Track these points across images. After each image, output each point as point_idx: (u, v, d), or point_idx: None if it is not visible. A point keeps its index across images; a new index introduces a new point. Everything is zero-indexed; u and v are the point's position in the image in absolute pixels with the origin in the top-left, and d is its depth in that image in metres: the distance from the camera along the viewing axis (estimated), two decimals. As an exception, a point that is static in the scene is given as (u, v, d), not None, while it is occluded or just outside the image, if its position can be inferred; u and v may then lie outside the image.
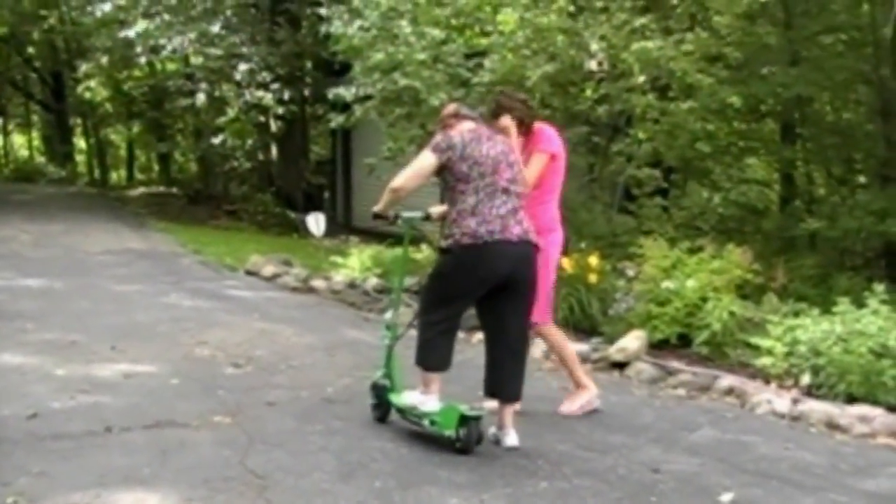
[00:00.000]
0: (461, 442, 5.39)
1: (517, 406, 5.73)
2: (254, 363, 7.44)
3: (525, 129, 6.31)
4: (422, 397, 5.66)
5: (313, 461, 5.12)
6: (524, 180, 5.78)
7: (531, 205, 6.03)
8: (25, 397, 6.11)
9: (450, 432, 5.44)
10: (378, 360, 6.12)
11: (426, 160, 5.59)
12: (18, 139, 41.93)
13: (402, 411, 5.82)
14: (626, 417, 6.40)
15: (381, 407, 5.99)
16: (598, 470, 5.23)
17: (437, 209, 5.97)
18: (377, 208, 5.87)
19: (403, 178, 5.64)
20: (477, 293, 5.57)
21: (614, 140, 10.64)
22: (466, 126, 5.72)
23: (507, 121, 6.23)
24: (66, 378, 6.67)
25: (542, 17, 10.01)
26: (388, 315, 6.21)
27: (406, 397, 5.78)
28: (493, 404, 5.70)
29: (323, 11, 13.80)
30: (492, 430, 5.62)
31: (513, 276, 5.48)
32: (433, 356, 5.63)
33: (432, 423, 5.56)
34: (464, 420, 5.38)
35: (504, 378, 5.61)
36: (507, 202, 5.53)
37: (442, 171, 5.60)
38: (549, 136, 6.38)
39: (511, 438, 5.56)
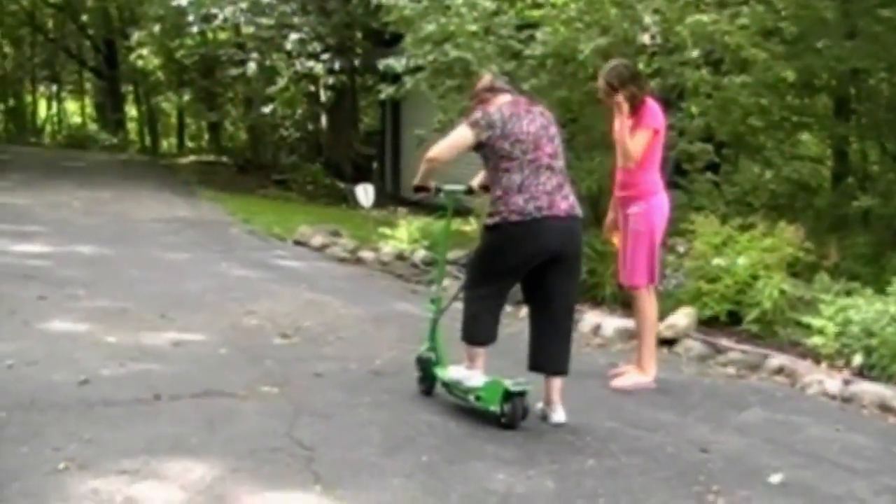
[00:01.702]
0: (506, 417, 5.38)
1: (561, 383, 5.66)
2: (301, 334, 7.47)
3: (635, 104, 6.34)
4: (467, 372, 5.65)
5: (360, 434, 5.13)
6: (559, 153, 5.66)
7: (628, 174, 6.38)
8: (76, 363, 6.17)
9: (494, 407, 5.43)
10: (424, 334, 6.11)
11: (463, 134, 5.56)
12: (71, 106, 42.37)
13: (447, 385, 5.83)
14: (675, 395, 6.35)
15: (427, 380, 6.01)
16: (647, 448, 5.20)
17: (478, 181, 5.96)
18: (416, 180, 5.87)
19: (438, 149, 5.62)
20: (525, 269, 5.56)
21: (666, 114, 10.51)
22: (503, 99, 5.69)
23: (620, 98, 6.30)
24: (116, 345, 6.74)
25: (596, -11, 9.90)
26: (433, 288, 6.24)
27: (451, 372, 5.79)
28: (539, 378, 5.67)
29: (375, -19, 13.76)
30: (539, 405, 5.61)
31: (560, 252, 5.49)
32: (479, 331, 5.64)
33: (477, 398, 5.55)
34: (508, 395, 5.37)
35: (550, 352, 5.61)
36: (553, 177, 5.52)
37: (481, 147, 5.56)
38: (655, 112, 6.42)
39: (558, 415, 5.55)
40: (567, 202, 5.52)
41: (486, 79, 5.98)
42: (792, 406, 6.22)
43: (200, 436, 4.96)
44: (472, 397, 5.60)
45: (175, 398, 5.60)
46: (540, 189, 5.45)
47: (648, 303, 6.51)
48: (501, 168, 5.51)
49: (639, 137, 6.34)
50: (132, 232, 12.90)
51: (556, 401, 5.57)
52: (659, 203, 6.48)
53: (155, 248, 11.56)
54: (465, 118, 5.73)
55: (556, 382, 5.59)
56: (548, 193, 5.46)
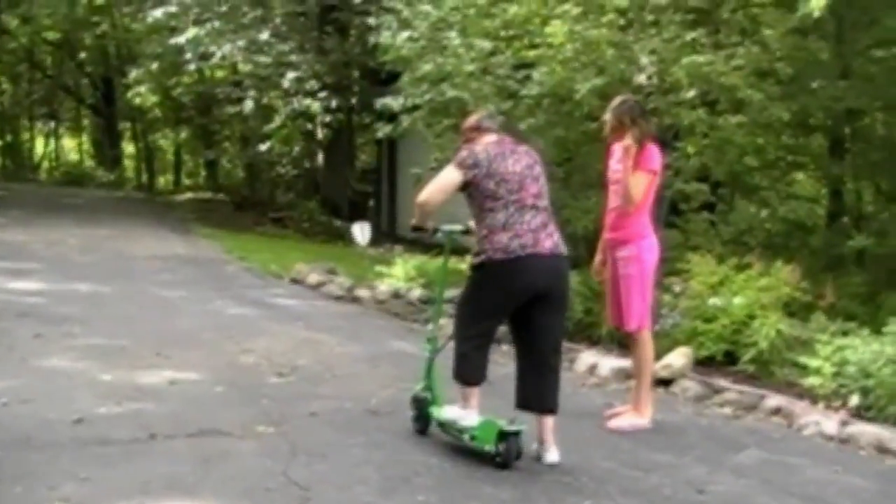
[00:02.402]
0: (501, 457, 5.37)
1: (553, 422, 5.63)
2: (298, 372, 7.46)
3: (638, 145, 6.34)
4: (461, 412, 5.66)
5: (356, 474, 5.12)
6: (543, 193, 5.68)
7: (620, 216, 6.40)
8: (72, 402, 6.15)
9: (489, 447, 5.42)
10: (420, 373, 6.10)
11: (451, 176, 5.61)
12: (69, 143, 42.48)
13: (442, 425, 5.83)
14: (672, 436, 6.34)
15: (422, 419, 5.99)
16: (643, 489, 5.18)
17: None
18: (413, 222, 5.90)
19: (428, 193, 5.65)
20: (511, 306, 5.59)
21: (662, 154, 10.55)
22: (488, 139, 5.76)
23: (629, 141, 6.29)
24: (111, 383, 6.72)
25: (592, 30, 9.95)
26: (430, 327, 6.28)
27: (446, 412, 5.79)
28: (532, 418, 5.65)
29: (371, 21, 13.81)
30: (534, 445, 5.59)
31: (546, 289, 5.51)
32: (468, 370, 5.65)
33: (472, 437, 5.55)
34: (503, 435, 5.37)
35: (538, 390, 5.61)
36: (537, 216, 5.56)
37: (466, 186, 5.60)
38: (654, 155, 6.42)
39: (552, 455, 5.53)
40: (552, 240, 5.56)
41: (472, 119, 6.01)
42: (789, 447, 6.21)
43: (196, 475, 4.94)
44: (466, 437, 5.59)
45: (171, 437, 5.59)
46: (524, 227, 5.49)
47: (648, 345, 6.50)
48: (486, 207, 5.55)
49: (639, 180, 6.32)
50: (129, 269, 12.89)
51: (550, 440, 5.56)
52: (649, 246, 6.46)
53: (151, 285, 11.55)
54: (453, 158, 5.77)
55: (548, 422, 5.57)
56: (532, 231, 5.50)
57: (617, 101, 6.66)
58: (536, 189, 5.62)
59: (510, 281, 5.49)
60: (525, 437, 5.44)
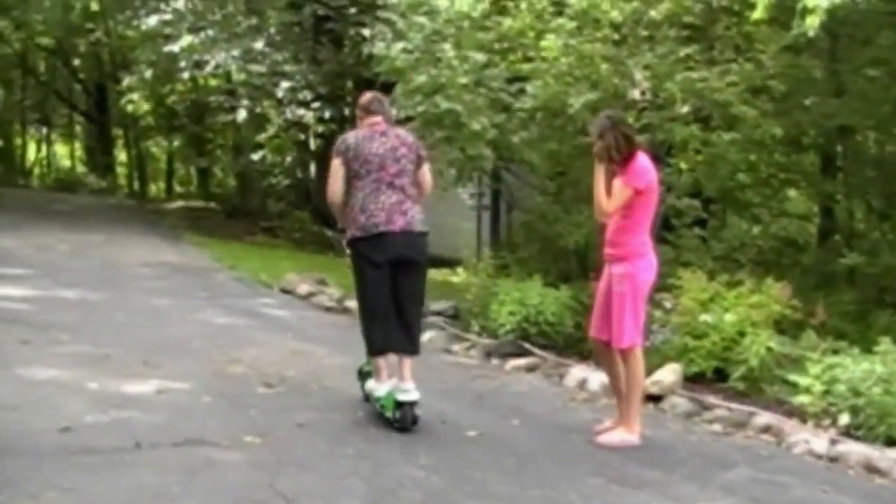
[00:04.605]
0: (398, 422, 6.22)
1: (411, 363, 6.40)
2: (286, 383, 7.42)
3: (619, 156, 6.30)
4: (375, 385, 6.52)
5: (343, 486, 5.09)
6: (423, 180, 6.64)
7: (616, 232, 6.34)
8: (58, 410, 6.11)
9: (389, 414, 6.29)
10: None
11: (334, 165, 6.56)
12: (61, 149, 42.41)
13: (368, 396, 6.72)
14: (661, 452, 6.30)
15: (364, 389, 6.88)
16: (631, 506, 5.16)
17: None
18: (339, 225, 6.85)
19: (329, 192, 6.61)
20: (383, 276, 6.38)
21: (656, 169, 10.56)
22: (370, 121, 6.60)
23: (597, 146, 6.36)
24: (98, 392, 6.67)
25: (587, 45, 9.97)
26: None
27: (368, 385, 6.70)
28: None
29: (366, 32, 13.83)
30: (393, 382, 6.32)
31: (401, 258, 6.38)
32: (374, 341, 6.47)
33: (381, 406, 6.40)
34: (399, 404, 6.21)
35: (403, 336, 6.43)
36: (393, 195, 6.39)
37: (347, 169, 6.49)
38: (642, 170, 6.31)
39: (409, 393, 6.21)
40: (404, 218, 6.37)
41: (367, 96, 6.83)
42: (778, 465, 6.18)
43: (182, 486, 4.90)
44: (377, 405, 6.47)
45: (157, 447, 5.54)
46: (378, 207, 6.34)
47: (639, 363, 6.45)
48: (353, 186, 6.46)
49: (617, 193, 6.28)
50: (118, 276, 12.84)
51: (408, 378, 6.28)
52: (645, 265, 6.38)
53: (140, 293, 11.50)
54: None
55: (408, 362, 6.36)
56: (385, 211, 6.34)
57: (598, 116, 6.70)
58: (396, 169, 6.43)
59: (373, 254, 6.34)
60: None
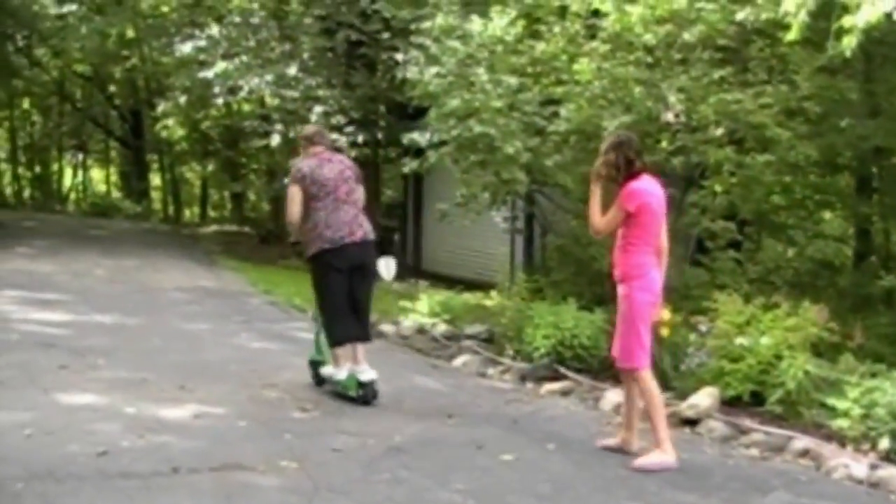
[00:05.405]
0: (361, 398, 7.53)
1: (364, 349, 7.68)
2: (321, 407, 7.42)
3: (619, 176, 6.38)
4: (334, 370, 7.72)
5: (379, 511, 5.07)
6: (360, 195, 7.86)
7: (616, 253, 6.45)
8: (94, 434, 6.15)
9: (352, 392, 7.56)
10: (312, 346, 8.30)
11: (293, 191, 7.61)
12: (96, 174, 42.77)
13: (325, 378, 7.92)
14: (697, 477, 6.25)
15: (318, 376, 8.09)
16: (669, 531, 5.11)
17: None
18: (292, 238, 8.12)
19: (289, 213, 7.67)
20: (343, 279, 7.61)
21: (689, 192, 10.52)
22: (314, 150, 7.78)
23: (598, 163, 6.51)
24: (135, 416, 6.71)
25: (620, 68, 9.96)
26: (311, 314, 9.35)
27: (326, 370, 7.91)
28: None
29: (399, 57, 13.86)
30: (349, 366, 7.59)
31: (360, 263, 7.68)
32: (335, 334, 7.68)
33: (343, 387, 7.63)
34: (361, 384, 7.53)
35: (358, 327, 7.73)
36: (349, 210, 7.66)
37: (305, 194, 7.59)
38: (633, 193, 6.32)
39: (367, 374, 7.52)
40: (362, 230, 7.69)
41: (310, 129, 8.27)
42: (817, 490, 6.11)
43: (218, 511, 4.91)
44: (339, 387, 7.68)
45: (194, 471, 5.57)
46: (340, 221, 7.57)
47: (650, 383, 6.39)
48: (312, 207, 7.58)
49: (610, 214, 6.40)
50: (154, 301, 12.92)
51: (363, 361, 7.57)
52: (641, 286, 6.36)
53: (176, 317, 11.57)
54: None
55: (362, 348, 7.63)
56: (347, 224, 7.59)
57: None
58: (346, 188, 7.70)
59: (338, 262, 7.56)
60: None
